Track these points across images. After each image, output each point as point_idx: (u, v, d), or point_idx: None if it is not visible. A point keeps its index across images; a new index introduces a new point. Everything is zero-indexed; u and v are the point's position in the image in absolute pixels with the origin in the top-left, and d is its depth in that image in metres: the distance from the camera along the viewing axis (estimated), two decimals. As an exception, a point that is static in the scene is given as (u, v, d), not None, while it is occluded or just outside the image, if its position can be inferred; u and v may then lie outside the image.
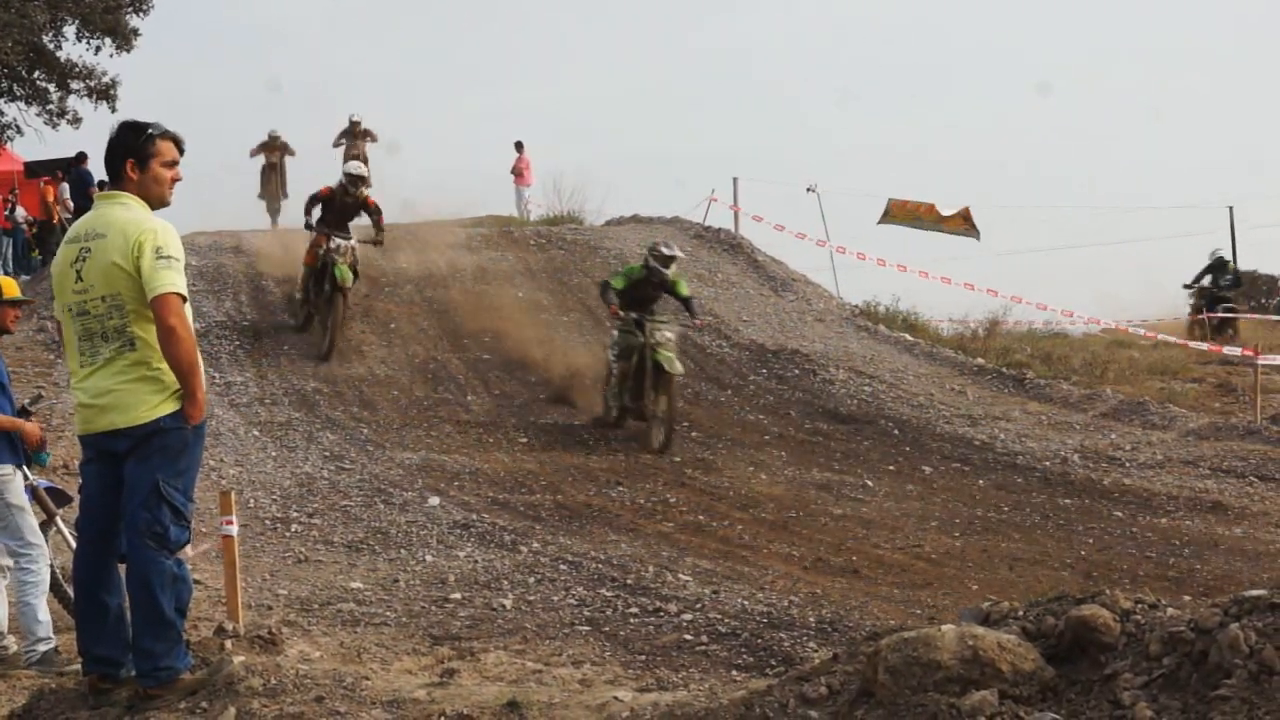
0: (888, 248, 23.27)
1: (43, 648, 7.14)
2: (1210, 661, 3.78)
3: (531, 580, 9.33)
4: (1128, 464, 13.37)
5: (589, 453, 13.82)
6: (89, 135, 28.74)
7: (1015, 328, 21.77)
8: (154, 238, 5.39)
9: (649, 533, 10.86)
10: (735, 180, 25.24)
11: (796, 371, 16.96)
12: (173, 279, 5.38)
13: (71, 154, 25.22)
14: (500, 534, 10.72)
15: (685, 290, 14.78)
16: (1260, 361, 16.62)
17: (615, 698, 5.13)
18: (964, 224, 23.65)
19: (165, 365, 5.42)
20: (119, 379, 5.43)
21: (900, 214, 23.79)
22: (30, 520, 7.32)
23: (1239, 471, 12.89)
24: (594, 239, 22.34)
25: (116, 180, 5.64)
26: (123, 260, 5.38)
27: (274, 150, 26.66)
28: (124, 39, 26.73)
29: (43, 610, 7.18)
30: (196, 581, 7.42)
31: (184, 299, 5.42)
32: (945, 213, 23.61)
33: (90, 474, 5.64)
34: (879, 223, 23.80)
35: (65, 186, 24.26)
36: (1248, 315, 24.20)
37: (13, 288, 7.61)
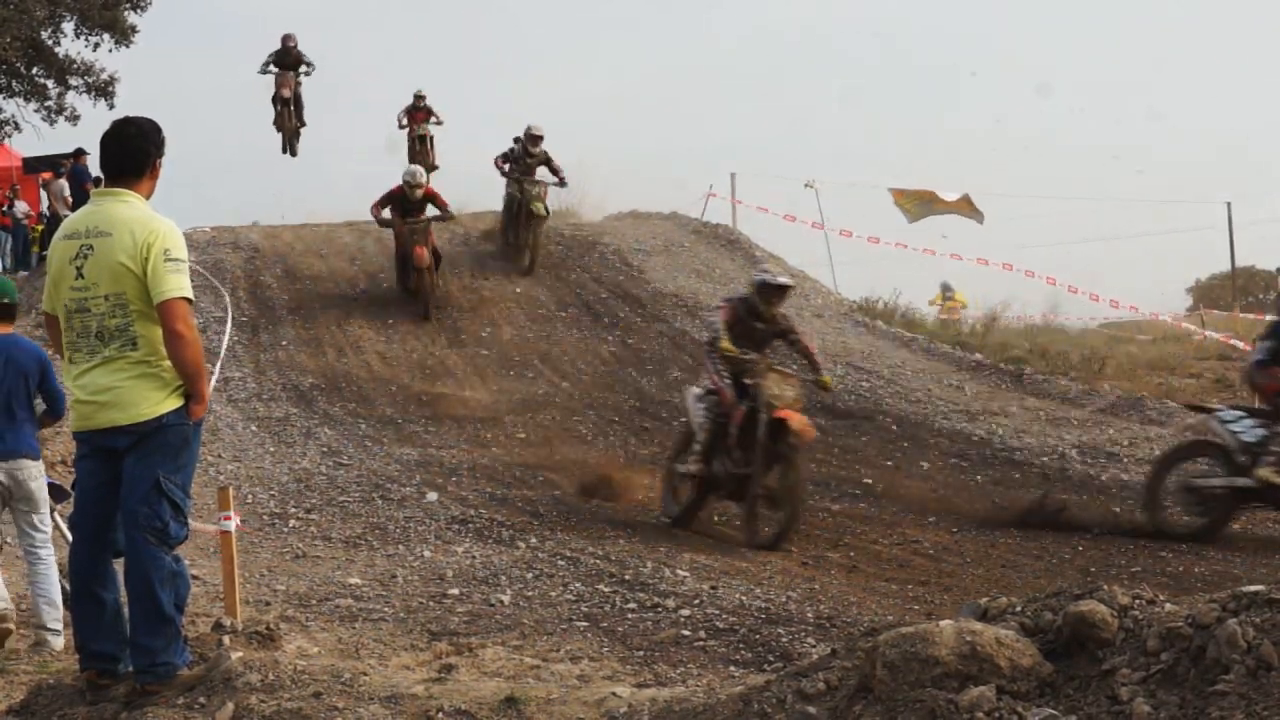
0: (883, 247, 23.31)
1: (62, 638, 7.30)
2: (1208, 657, 3.78)
3: (529, 576, 9.33)
4: (1125, 459, 13.37)
5: (587, 448, 13.83)
6: (88, 131, 28.70)
7: (1014, 323, 21.77)
8: (162, 240, 5.38)
9: (647, 528, 10.86)
10: (733, 176, 25.26)
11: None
12: (180, 283, 5.38)
13: (70, 150, 25.17)
14: (498, 529, 10.72)
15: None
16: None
17: (613, 694, 5.13)
18: (967, 206, 23.64)
19: (166, 362, 5.42)
20: (120, 376, 5.41)
21: (904, 202, 23.79)
22: None
23: (1237, 467, 12.86)
24: (592, 234, 22.33)
25: (127, 176, 5.58)
26: (130, 260, 5.36)
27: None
28: (122, 35, 26.73)
29: None
30: (194, 577, 7.43)
31: (190, 302, 5.43)
32: (947, 198, 23.61)
33: (86, 470, 5.63)
34: (896, 206, 23.81)
35: (63, 183, 24.22)
36: None
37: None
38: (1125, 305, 22.35)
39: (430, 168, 24.96)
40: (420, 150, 25.23)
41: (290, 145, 24.79)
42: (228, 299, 16.30)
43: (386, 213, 18.24)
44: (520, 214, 19.97)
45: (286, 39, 23.98)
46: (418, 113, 25.35)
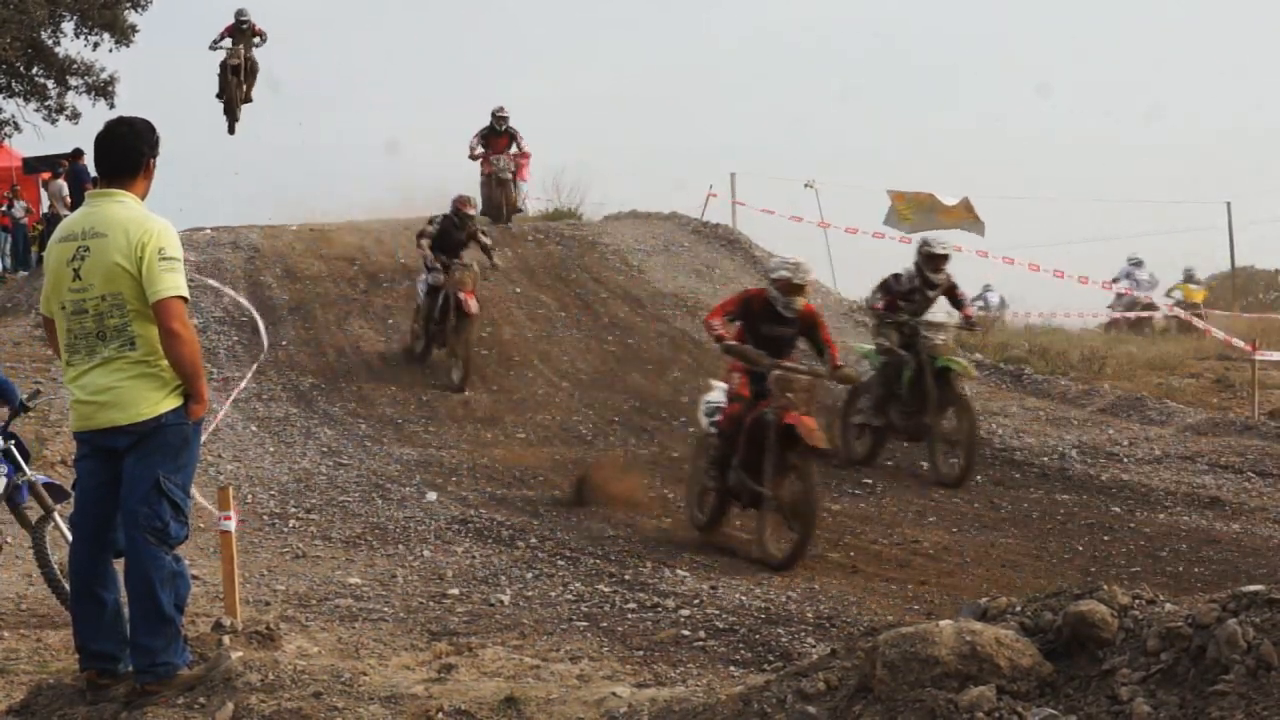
0: (888, 242, 23.27)
1: None
2: (1208, 657, 3.78)
3: (529, 576, 9.33)
4: (1125, 460, 13.36)
5: (587, 448, 13.82)
6: (88, 131, 28.70)
7: (1013, 321, 21.77)
8: (157, 239, 5.39)
9: (647, 528, 10.86)
10: (733, 175, 25.23)
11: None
12: (175, 281, 5.39)
13: (69, 150, 25.19)
14: (498, 529, 10.72)
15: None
16: (1258, 357, 16.62)
17: (613, 694, 5.14)
18: (966, 214, 23.57)
19: (165, 362, 5.43)
20: (119, 376, 5.42)
21: (902, 206, 23.71)
22: None
23: (1236, 467, 12.88)
24: (592, 234, 22.33)
25: (122, 176, 5.59)
26: (125, 260, 5.37)
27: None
28: (122, 35, 26.76)
29: None
30: (194, 577, 7.44)
31: (185, 300, 5.43)
32: (946, 202, 23.53)
33: (86, 470, 5.64)
34: (885, 223, 23.71)
35: (62, 183, 24.24)
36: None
37: None
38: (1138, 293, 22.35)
39: (512, 211, 21.70)
40: (500, 191, 21.40)
41: None
42: (265, 342, 15.69)
43: (731, 332, 10.20)
44: (923, 377, 12.41)
45: None
46: (498, 139, 21.23)
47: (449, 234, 16.32)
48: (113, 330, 5.42)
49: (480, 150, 21.16)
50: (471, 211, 16.74)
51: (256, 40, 22.67)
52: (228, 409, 13.73)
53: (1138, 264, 26.03)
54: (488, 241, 16.86)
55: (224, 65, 22.60)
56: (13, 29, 25.06)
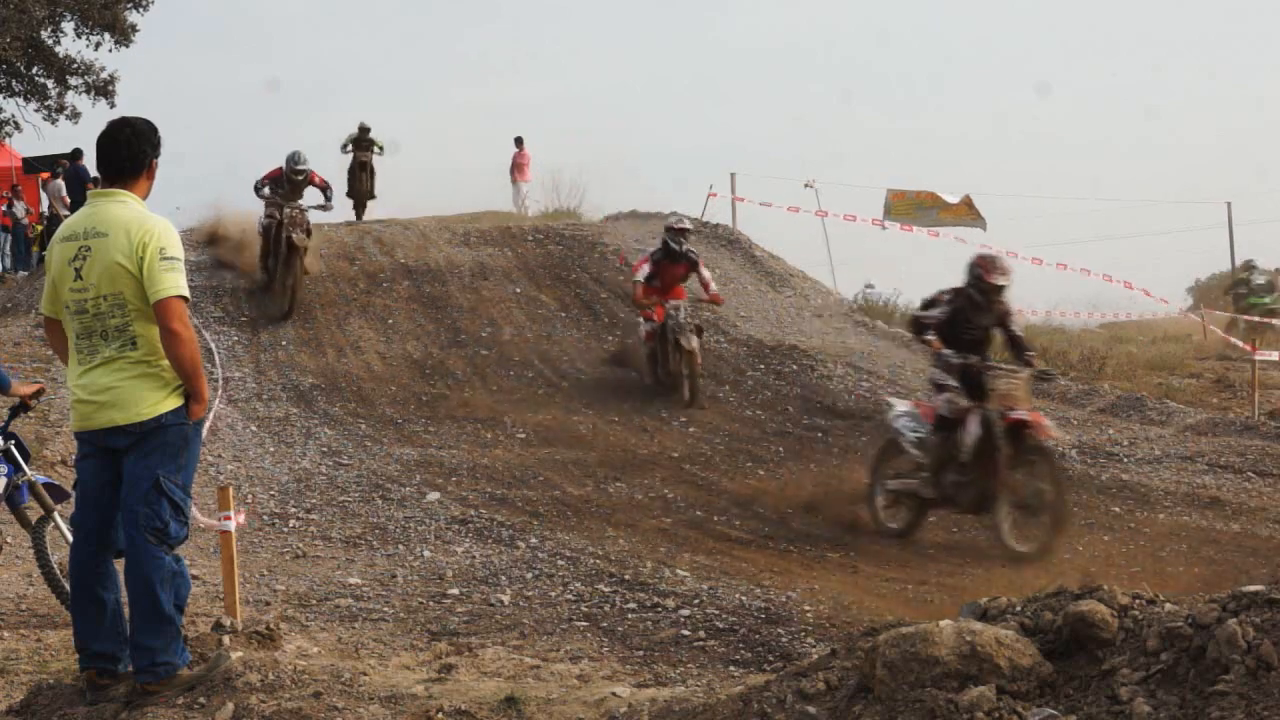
0: (887, 245, 23.29)
1: None
2: (1208, 657, 3.78)
3: (529, 576, 9.33)
4: (1125, 459, 13.36)
5: (587, 448, 13.82)
6: (88, 131, 28.75)
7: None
8: (157, 238, 5.40)
9: (647, 528, 10.86)
10: (733, 175, 25.23)
11: (794, 367, 16.95)
12: (176, 281, 5.39)
13: (69, 150, 25.20)
14: (498, 529, 10.72)
15: None
16: (1257, 357, 16.63)
17: (613, 694, 5.14)
18: (968, 212, 23.54)
19: (166, 362, 5.44)
20: (120, 376, 5.43)
21: (901, 206, 23.70)
22: None
23: (1236, 467, 12.87)
24: (592, 234, 22.32)
25: (124, 176, 5.60)
26: (126, 260, 5.38)
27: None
28: (122, 34, 26.80)
29: None
30: (194, 577, 7.44)
31: (186, 300, 5.44)
32: (948, 199, 23.50)
33: (87, 470, 5.64)
34: (884, 218, 23.71)
35: (60, 184, 24.25)
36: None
37: None
38: (1139, 289, 22.43)
39: (696, 394, 15.07)
40: (683, 366, 14.91)
41: None
42: (219, 375, 15.25)
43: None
44: None
45: None
46: (674, 266, 15.29)
47: (965, 315, 10.57)
48: (114, 330, 5.43)
49: (645, 276, 15.15)
50: (1002, 281, 10.47)
51: (318, 199, 17.91)
52: (219, 409, 13.72)
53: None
54: (1019, 333, 10.88)
55: (271, 233, 17.64)
56: (13, 29, 25.09)
